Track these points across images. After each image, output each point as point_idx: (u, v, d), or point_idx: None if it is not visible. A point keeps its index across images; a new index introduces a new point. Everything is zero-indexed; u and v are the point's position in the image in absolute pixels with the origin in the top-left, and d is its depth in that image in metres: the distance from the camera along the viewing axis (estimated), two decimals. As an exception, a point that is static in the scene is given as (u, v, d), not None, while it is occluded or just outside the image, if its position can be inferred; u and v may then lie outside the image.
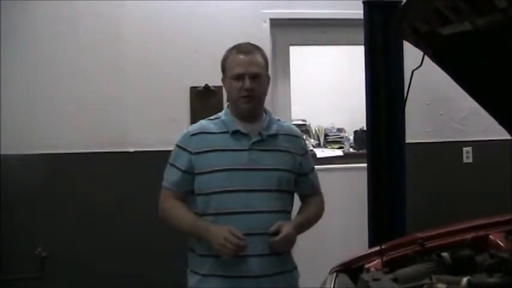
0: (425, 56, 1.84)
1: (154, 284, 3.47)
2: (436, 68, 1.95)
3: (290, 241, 2.02)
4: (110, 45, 3.61)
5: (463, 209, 3.50)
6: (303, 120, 4.70)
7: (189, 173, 2.05)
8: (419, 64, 1.79)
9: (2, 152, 3.41)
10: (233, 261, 1.95)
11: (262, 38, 3.55)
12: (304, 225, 2.12)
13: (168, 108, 3.64)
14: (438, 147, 3.92)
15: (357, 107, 3.84)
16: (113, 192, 3.53)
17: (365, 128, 3.68)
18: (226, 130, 2.06)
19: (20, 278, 3.36)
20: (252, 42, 2.14)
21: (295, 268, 2.14)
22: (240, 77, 2.02)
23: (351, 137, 4.50)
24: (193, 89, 3.65)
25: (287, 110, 3.93)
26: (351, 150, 4.40)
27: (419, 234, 2.08)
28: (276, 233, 1.97)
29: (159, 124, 3.59)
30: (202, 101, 3.62)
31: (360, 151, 4.18)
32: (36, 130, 3.53)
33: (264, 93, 2.11)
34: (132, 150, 3.61)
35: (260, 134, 2.06)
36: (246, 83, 2.01)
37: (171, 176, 2.09)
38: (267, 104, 2.21)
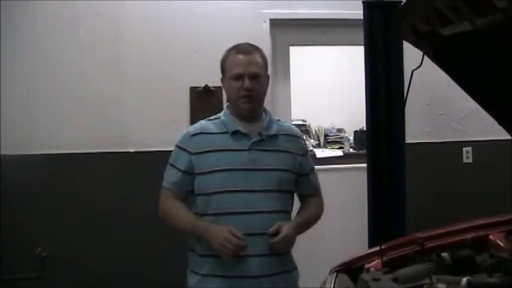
0: (425, 56, 1.84)
1: (154, 284, 3.47)
2: (436, 68, 1.95)
3: (290, 241, 2.02)
4: (110, 45, 3.61)
5: (463, 209, 3.49)
6: (303, 121, 4.70)
7: (189, 173, 2.05)
8: (419, 64, 1.79)
9: (2, 152, 3.41)
10: (233, 261, 1.95)
11: (262, 38, 3.56)
12: (303, 226, 2.13)
13: (168, 108, 3.64)
14: (438, 147, 3.91)
15: (357, 107, 3.84)
16: (113, 192, 3.52)
17: (365, 128, 3.68)
18: (226, 130, 2.06)
19: (20, 278, 3.35)
20: (252, 42, 2.14)
21: (295, 268, 2.14)
22: (239, 77, 2.02)
23: (351, 137, 4.50)
24: (193, 89, 3.65)
25: (287, 110, 3.92)
26: (351, 150, 4.41)
27: (419, 234, 2.08)
28: (276, 233, 1.97)
29: (159, 124, 3.59)
30: (202, 101, 3.62)
31: (360, 151, 4.18)
32: (36, 130, 3.52)
33: (264, 93, 2.11)
34: (132, 150, 3.61)
35: (260, 134, 2.06)
36: (246, 83, 2.01)
37: (171, 176, 2.10)
38: (267, 104, 2.21)
